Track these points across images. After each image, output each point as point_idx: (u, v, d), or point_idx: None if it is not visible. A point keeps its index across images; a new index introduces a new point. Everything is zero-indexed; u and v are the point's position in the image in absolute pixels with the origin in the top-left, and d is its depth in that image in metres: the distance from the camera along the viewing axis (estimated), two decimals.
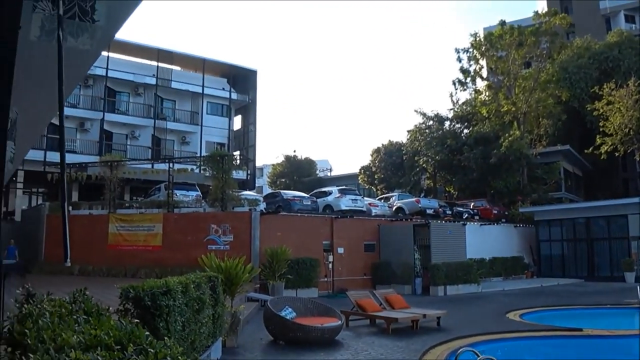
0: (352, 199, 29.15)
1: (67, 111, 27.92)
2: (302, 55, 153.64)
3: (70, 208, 27.17)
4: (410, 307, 15.82)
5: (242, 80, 48.52)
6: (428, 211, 31.33)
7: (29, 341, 2.57)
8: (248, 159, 47.04)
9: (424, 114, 46.42)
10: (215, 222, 23.57)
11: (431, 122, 45.93)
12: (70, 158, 31.97)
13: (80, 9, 2.39)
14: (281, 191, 32.80)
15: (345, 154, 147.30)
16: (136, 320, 3.05)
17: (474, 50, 43.25)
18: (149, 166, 34.64)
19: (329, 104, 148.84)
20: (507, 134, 38.38)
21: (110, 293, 6.74)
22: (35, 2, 2.34)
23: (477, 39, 43.40)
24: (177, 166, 28.17)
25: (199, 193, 28.83)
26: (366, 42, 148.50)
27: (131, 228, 24.78)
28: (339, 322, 13.01)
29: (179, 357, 2.30)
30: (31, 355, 2.35)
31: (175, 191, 26.98)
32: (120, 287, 6.61)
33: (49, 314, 3.27)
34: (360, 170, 51.94)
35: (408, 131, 47.77)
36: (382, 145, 50.69)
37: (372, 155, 50.83)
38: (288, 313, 12.78)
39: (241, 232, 23.24)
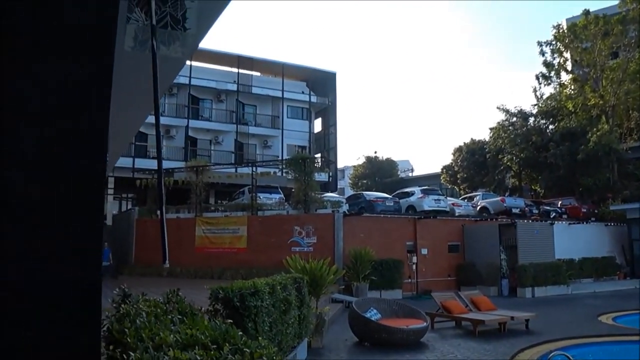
0: (435, 199, 28.73)
1: (153, 119, 28.89)
2: (382, 55, 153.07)
3: (158, 212, 28.08)
4: (497, 309, 15.44)
5: (321, 83, 48.81)
6: (514, 210, 30.43)
7: (128, 340, 2.65)
8: (329, 161, 47.23)
9: (506, 111, 45.11)
10: (298, 224, 23.79)
11: (515, 119, 44.55)
12: (156, 164, 33.10)
13: (172, 18, 2.47)
14: (364, 192, 32.71)
15: (427, 153, 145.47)
16: (229, 321, 3.10)
17: (558, 43, 41.63)
18: (233, 170, 35.34)
19: (409, 104, 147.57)
20: (595, 129, 36.61)
21: (199, 294, 6.91)
22: (129, 13, 2.43)
23: (560, 30, 41.78)
24: (259, 169, 28.64)
25: (282, 196, 29.18)
26: (446, 39, 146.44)
27: (217, 231, 25.40)
28: (425, 323, 12.86)
29: (274, 357, 2.32)
30: (131, 354, 2.42)
31: (259, 194, 27.45)
32: (210, 288, 6.78)
33: (145, 313, 3.38)
34: (442, 169, 51.11)
35: (490, 129, 46.57)
36: (464, 143, 49.64)
37: (454, 154, 49.86)
38: (373, 314, 12.73)
39: (324, 234, 23.34)
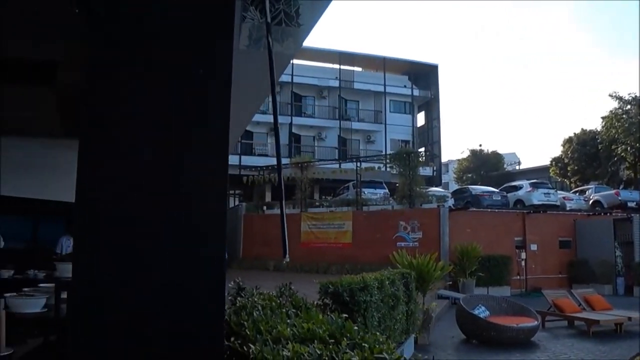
0: (544, 193, 27.67)
1: (258, 117, 29.56)
2: (485, 45, 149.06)
3: (265, 208, 28.78)
4: (613, 308, 14.64)
5: (423, 76, 48.19)
6: (629, 204, 28.73)
7: (247, 332, 2.71)
8: (433, 155, 46.57)
9: (620, 98, 42.53)
10: (403, 219, 23.64)
11: (629, 107, 41.98)
12: (262, 161, 33.93)
13: (285, 15, 2.50)
14: (469, 187, 32.02)
15: (534, 145, 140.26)
16: (345, 315, 3.11)
17: None
18: (337, 166, 35.59)
19: (515, 94, 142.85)
20: None
21: (305, 288, 6.98)
22: (244, 12, 2.48)
23: None
24: (364, 165, 28.66)
25: (387, 191, 29.06)
26: (552, 27, 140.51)
27: (322, 226, 25.67)
28: (536, 322, 12.42)
29: (394, 353, 2.30)
30: (251, 345, 2.46)
31: (364, 189, 27.49)
32: (319, 282, 6.85)
33: (260, 306, 3.45)
34: (551, 162, 49.06)
35: (603, 118, 44.16)
36: (575, 134, 47.36)
37: (563, 146, 47.71)
38: (481, 312, 12.45)
39: (430, 229, 23.05)
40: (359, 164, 28.09)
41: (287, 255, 2.50)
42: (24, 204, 13.74)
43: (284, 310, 3.43)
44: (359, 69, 47.51)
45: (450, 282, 20.87)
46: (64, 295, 4.06)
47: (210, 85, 1.93)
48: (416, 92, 47.50)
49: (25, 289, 4.62)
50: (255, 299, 3.74)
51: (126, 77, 1.89)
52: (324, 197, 35.48)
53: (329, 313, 5.42)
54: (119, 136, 1.84)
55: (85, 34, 2.63)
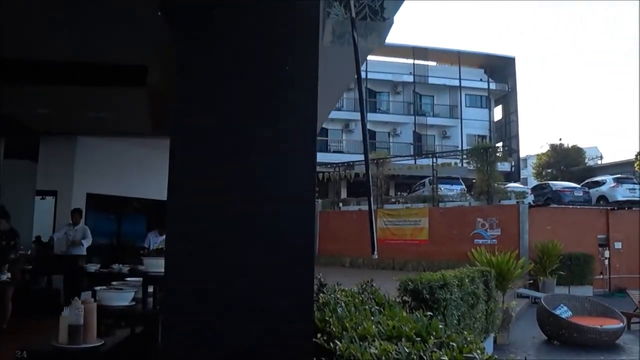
0: (629, 189, 26.48)
1: (333, 114, 29.70)
2: (563, 36, 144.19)
3: (341, 204, 28.85)
4: None
5: (499, 69, 47.08)
6: None
7: (333, 329, 2.70)
8: (512, 150, 45.45)
9: None
10: (481, 216, 23.19)
11: None
12: (337, 158, 33.99)
13: (370, 9, 2.48)
14: (550, 182, 31.05)
15: (617, 138, 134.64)
16: (429, 314, 3.07)
17: None
18: (412, 162, 35.26)
19: (595, 86, 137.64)
20: None
21: (382, 285, 6.93)
22: (328, 9, 2.47)
23: None
24: (440, 160, 28.30)
25: (464, 187, 28.60)
26: (632, 16, 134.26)
27: (398, 222, 25.50)
28: (621, 324, 11.94)
29: (485, 353, 2.24)
30: (337, 342, 2.46)
31: (440, 185, 27.14)
32: (399, 279, 6.80)
33: (343, 303, 3.44)
34: (636, 156, 46.93)
35: None
36: None
37: None
38: (563, 312, 12.09)
39: (508, 226, 22.51)
40: (435, 159, 27.75)
41: (376, 252, 2.48)
42: (111, 202, 14.30)
43: (367, 307, 3.41)
44: (433, 64, 46.86)
45: (530, 281, 20.33)
46: (151, 289, 4.19)
47: (297, 82, 1.93)
48: (493, 86, 46.47)
49: (114, 283, 4.79)
50: (338, 296, 3.74)
51: (214, 75, 1.91)
52: (399, 193, 35.27)
53: (408, 311, 5.38)
54: (209, 134, 1.86)
55: (172, 36, 2.69)
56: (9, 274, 8.46)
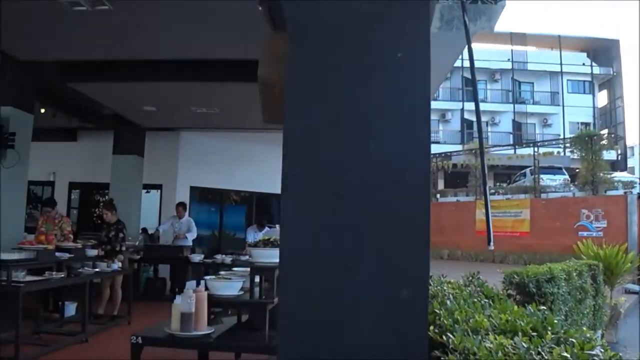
0: None
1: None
2: None
3: (438, 196, 28.45)
4: None
5: (603, 52, 44.69)
6: None
7: (444, 321, 2.64)
8: (618, 138, 43.22)
9: None
10: (586, 207, 22.19)
11: None
12: (434, 148, 33.48)
13: None
14: None
15: None
16: (543, 308, 2.95)
17: None
18: (512, 151, 34.24)
19: None
20: None
21: (484, 277, 6.76)
22: None
23: None
24: (541, 149, 27.32)
25: (567, 176, 27.47)
26: None
27: (498, 214, 24.81)
28: None
29: (608, 351, 2.12)
30: (450, 336, 2.41)
31: (541, 175, 26.19)
32: (504, 272, 6.62)
33: (451, 295, 3.37)
34: None
35: None
36: None
37: None
38: None
39: (616, 218, 21.40)
40: (536, 148, 26.80)
41: (492, 243, 2.39)
42: (212, 194, 14.74)
43: (476, 300, 3.33)
44: (533, 49, 45.16)
45: None
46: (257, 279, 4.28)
47: (409, 70, 1.89)
48: (596, 70, 44.22)
49: (222, 273, 4.92)
50: (445, 288, 3.67)
51: (325, 65, 1.90)
52: (498, 184, 34.37)
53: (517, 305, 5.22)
54: (322, 126, 1.85)
55: (278, 27, 2.70)
56: (119, 263, 8.89)
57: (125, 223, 9.59)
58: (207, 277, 3.96)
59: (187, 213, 12.15)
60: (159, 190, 13.75)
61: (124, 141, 12.39)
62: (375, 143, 1.80)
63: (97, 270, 8.13)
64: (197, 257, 10.55)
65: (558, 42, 43.05)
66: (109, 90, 9.65)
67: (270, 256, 3.94)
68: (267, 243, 4.11)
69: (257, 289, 4.01)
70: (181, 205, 12.04)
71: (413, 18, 1.89)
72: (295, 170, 1.85)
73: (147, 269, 12.17)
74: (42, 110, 10.40)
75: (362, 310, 1.75)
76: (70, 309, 8.73)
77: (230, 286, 3.83)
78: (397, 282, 1.74)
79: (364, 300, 1.74)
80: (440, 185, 33.60)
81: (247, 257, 10.48)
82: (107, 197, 13.05)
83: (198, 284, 8.86)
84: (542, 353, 2.18)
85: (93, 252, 8.52)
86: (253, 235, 11.22)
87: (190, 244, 11.70)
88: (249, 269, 4.34)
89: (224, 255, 10.50)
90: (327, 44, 1.88)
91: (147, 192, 13.40)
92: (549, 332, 2.41)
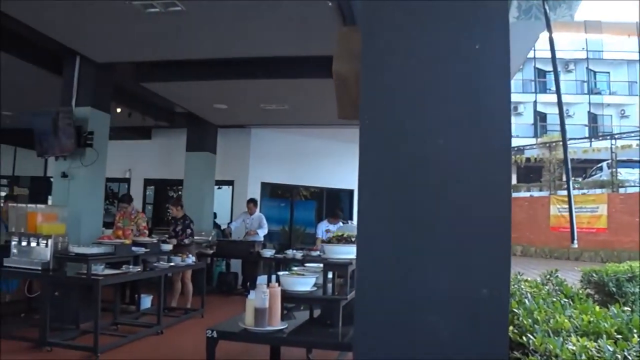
0: None
1: None
2: None
3: (511, 190, 27.82)
4: None
5: None
6: None
7: (523, 321, 2.58)
8: None
9: None
10: None
11: None
12: None
13: None
14: None
15: None
16: (627, 308, 2.83)
17: None
18: (587, 144, 33.09)
19: None
20: None
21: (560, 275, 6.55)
22: None
23: None
24: (618, 142, 26.28)
25: None
26: None
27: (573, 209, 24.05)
28: None
29: None
30: (530, 336, 2.34)
31: (619, 169, 25.18)
32: (582, 270, 6.40)
33: (529, 295, 3.28)
34: None
35: None
36: None
37: None
38: None
39: None
40: (613, 141, 25.79)
41: (575, 241, 2.31)
42: (283, 190, 14.88)
43: (555, 299, 3.22)
44: (609, 37, 43.35)
45: None
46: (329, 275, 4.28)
47: (487, 62, 1.83)
48: None
49: (295, 268, 4.95)
50: (522, 286, 3.57)
51: (401, 59, 1.87)
52: (574, 178, 33.29)
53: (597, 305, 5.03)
54: (399, 121, 1.82)
55: (351, 22, 2.67)
56: (193, 258, 9.09)
57: (194, 218, 9.80)
58: (281, 273, 3.99)
59: (257, 209, 12.29)
60: (231, 187, 13.98)
61: (196, 139, 12.65)
62: (457, 137, 1.76)
63: (172, 264, 8.33)
64: (268, 252, 10.66)
65: (636, 29, 41.18)
66: (182, 89, 9.87)
67: (344, 252, 3.93)
68: (340, 239, 4.10)
69: (329, 285, 4.01)
70: (252, 201, 12.18)
71: (491, 5, 1.83)
72: (372, 165, 1.83)
73: (220, 264, 12.39)
74: (118, 110, 10.72)
75: (441, 308, 1.71)
76: (146, 301, 8.99)
77: (303, 282, 3.84)
78: (477, 281, 1.70)
79: (443, 298, 1.70)
80: (513, 179, 32.80)
81: (317, 252, 10.56)
82: (180, 193, 13.37)
83: (269, 279, 8.94)
84: (629, 357, 2.09)
85: (168, 247, 8.73)
86: (324, 229, 11.26)
87: (262, 239, 11.84)
88: (321, 265, 4.35)
89: (294, 251, 10.56)
90: (401, 36, 1.85)
91: (219, 188, 13.64)
92: (635, 335, 2.30)
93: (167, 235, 9.59)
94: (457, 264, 1.71)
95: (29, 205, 7.53)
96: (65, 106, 8.48)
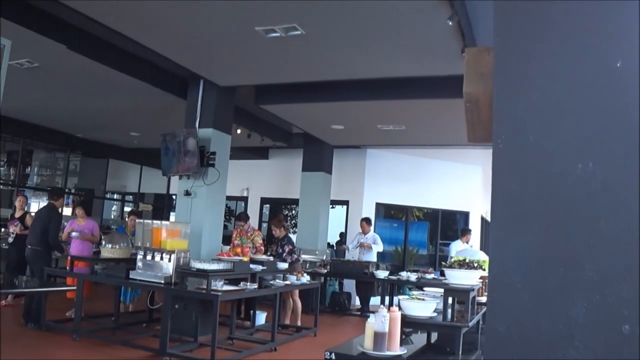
0: None
1: None
2: None
3: None
4: None
5: None
6: None
7: None
8: None
9: None
10: None
11: None
12: None
13: None
14: None
15: None
16: None
17: None
18: None
19: None
20: None
21: None
22: None
23: None
24: None
25: None
26: None
27: None
28: None
29: None
30: None
31: None
32: None
33: None
34: None
35: None
36: None
37: None
38: None
39: None
40: None
41: None
42: (396, 210, 14.78)
43: None
44: None
45: None
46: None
47: (631, 80, 1.70)
48: None
49: (414, 293, 4.86)
50: None
51: (536, 76, 1.78)
52: None
53: None
54: (535, 146, 1.73)
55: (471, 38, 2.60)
56: (308, 277, 9.16)
57: (309, 238, 9.88)
58: (401, 297, 3.91)
59: (372, 228, 12.25)
60: (345, 206, 14.05)
61: (312, 159, 12.82)
62: (598, 163, 1.65)
63: (287, 282, 8.44)
64: (382, 274, 10.59)
65: None
66: (300, 110, 10.06)
67: (465, 277, 3.81)
68: (462, 264, 3.99)
69: (449, 311, 3.90)
70: (365, 220, 12.15)
71: (634, 21, 1.71)
72: (506, 192, 1.75)
73: (333, 283, 12.44)
74: (238, 131, 11.08)
75: (578, 346, 1.60)
76: (260, 317, 9.14)
77: (424, 307, 3.75)
78: (618, 316, 1.57)
79: (580, 335, 1.59)
80: None
81: (432, 275, 10.38)
82: (295, 211, 13.57)
83: (382, 301, 8.86)
84: None
85: (284, 265, 8.86)
86: (455, 249, 11.16)
87: (374, 259, 11.76)
88: (439, 290, 4.24)
89: (408, 273, 10.45)
90: (537, 54, 1.76)
91: (332, 207, 13.73)
92: None
93: (269, 253, 9.68)
94: (598, 298, 1.60)
95: (155, 221, 7.88)
96: (190, 128, 8.87)
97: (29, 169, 17.52)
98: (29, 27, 6.64)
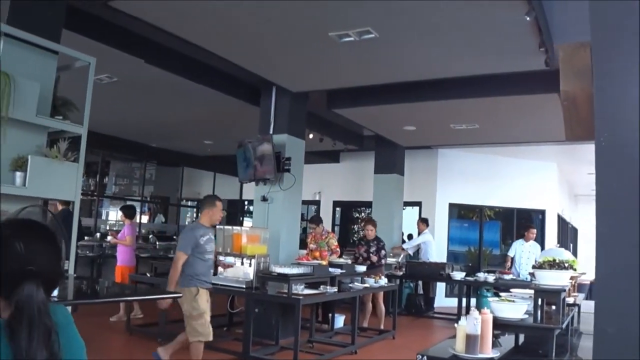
0: None
1: None
2: None
3: None
4: None
5: None
6: None
7: None
8: None
9: None
10: None
11: None
12: None
13: None
14: None
15: None
16: None
17: None
18: None
19: None
20: None
21: None
22: None
23: None
24: None
25: None
26: None
27: None
28: None
29: None
30: None
31: None
32: None
33: None
34: None
35: None
36: None
37: None
38: None
39: None
40: None
41: None
42: (469, 210, 14.56)
43: None
44: None
45: None
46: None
47: None
48: None
49: (502, 294, 4.79)
50: None
51: (636, 68, 1.74)
52: None
53: None
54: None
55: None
56: (386, 280, 9.14)
57: (384, 239, 9.85)
58: (491, 299, 3.87)
59: (427, 228, 12.21)
60: (418, 207, 13.94)
61: (384, 160, 12.80)
62: None
63: (366, 285, 8.45)
64: (458, 275, 10.46)
65: None
66: (372, 113, 10.05)
67: (555, 278, 3.75)
68: (552, 265, 3.91)
69: (539, 312, 3.84)
70: (421, 220, 12.23)
71: None
72: (611, 190, 1.73)
73: (409, 285, 12.37)
74: (311, 136, 11.16)
75: None
76: (339, 320, 9.18)
77: (515, 309, 3.70)
78: None
79: None
80: None
81: (510, 276, 10.19)
82: (365, 214, 13.55)
83: (460, 302, 8.73)
84: None
85: (362, 268, 8.87)
86: (519, 249, 10.97)
87: (430, 257, 11.79)
88: (527, 291, 4.18)
89: (485, 274, 10.28)
90: (638, 48, 1.73)
91: (403, 208, 13.64)
92: None
93: (355, 256, 9.67)
94: None
95: (235, 227, 8.03)
96: (264, 134, 9.01)
97: (106, 179, 18.21)
98: (108, 44, 6.93)
